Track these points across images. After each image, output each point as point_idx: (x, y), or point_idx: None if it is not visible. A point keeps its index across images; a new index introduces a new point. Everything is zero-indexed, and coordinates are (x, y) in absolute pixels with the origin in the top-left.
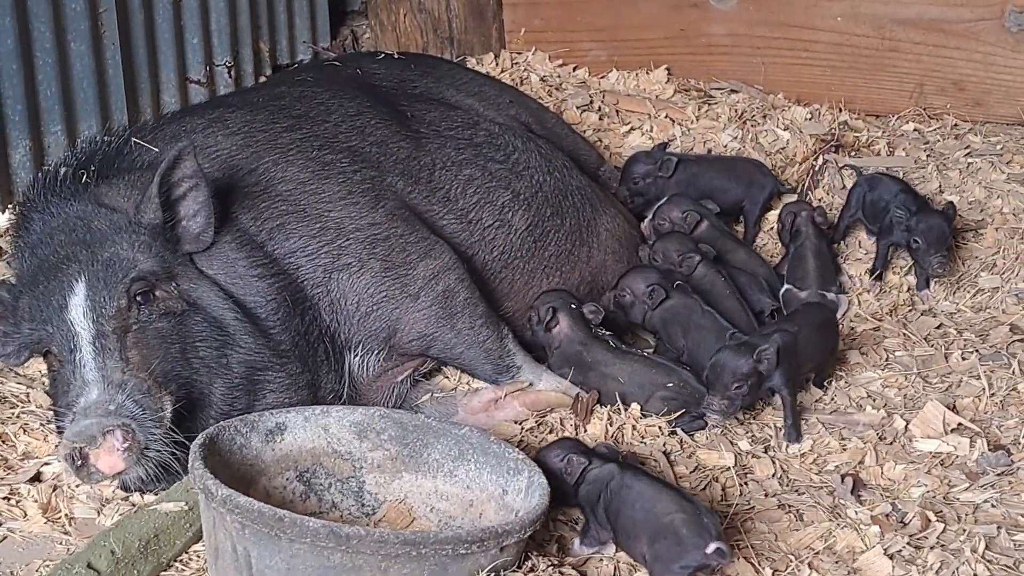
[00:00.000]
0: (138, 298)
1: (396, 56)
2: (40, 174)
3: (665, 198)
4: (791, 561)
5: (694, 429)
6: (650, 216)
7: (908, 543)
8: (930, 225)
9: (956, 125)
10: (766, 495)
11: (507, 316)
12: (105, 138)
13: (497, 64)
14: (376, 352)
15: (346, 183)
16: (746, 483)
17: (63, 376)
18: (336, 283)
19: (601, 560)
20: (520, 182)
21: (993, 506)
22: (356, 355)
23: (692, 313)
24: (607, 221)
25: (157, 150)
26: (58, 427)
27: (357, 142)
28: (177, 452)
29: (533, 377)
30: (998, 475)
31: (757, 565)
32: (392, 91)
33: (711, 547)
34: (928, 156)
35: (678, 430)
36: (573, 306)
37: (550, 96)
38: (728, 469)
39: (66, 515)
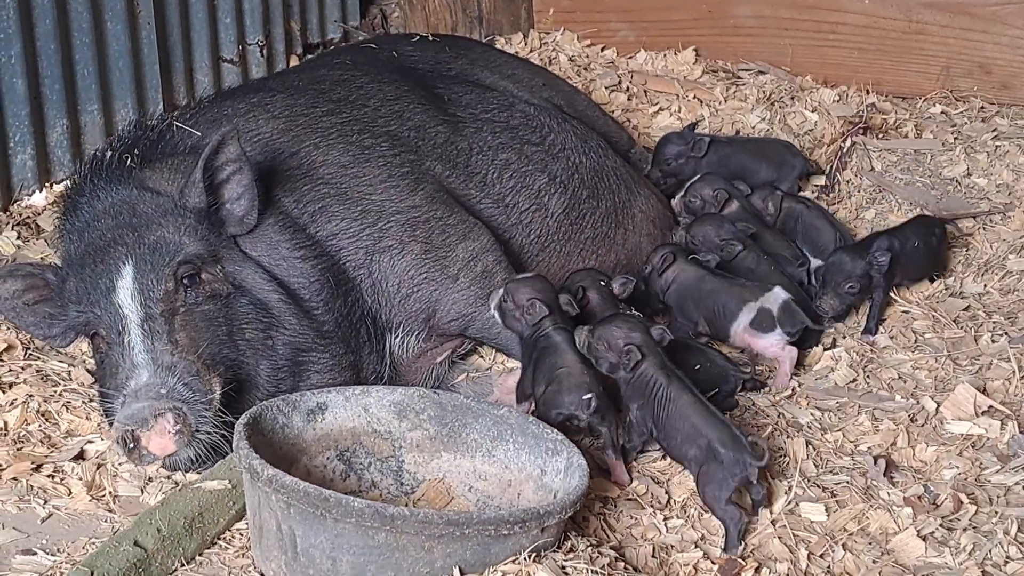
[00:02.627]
0: (185, 281)
1: (430, 38)
2: (86, 159)
3: (698, 176)
4: (826, 542)
5: (726, 408)
6: (682, 193)
7: (941, 525)
8: (832, 261)
9: (983, 108)
10: (801, 476)
11: None
12: (148, 122)
13: (526, 44)
14: (416, 333)
15: (386, 167)
16: (782, 469)
17: (111, 359)
18: (377, 265)
19: (640, 542)
20: (556, 164)
21: None
22: (397, 336)
23: (701, 282)
24: (642, 202)
25: (199, 133)
26: (106, 409)
27: (396, 127)
28: (226, 433)
29: None
30: None
31: (792, 546)
32: (428, 73)
33: (587, 395)
34: (956, 139)
35: None
36: (602, 283)
37: (578, 76)
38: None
39: (110, 493)
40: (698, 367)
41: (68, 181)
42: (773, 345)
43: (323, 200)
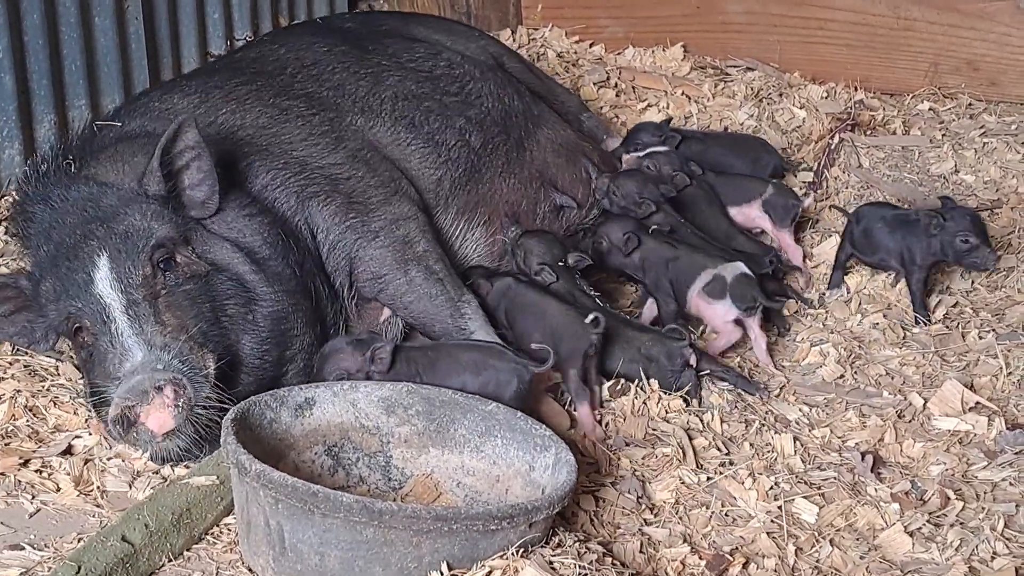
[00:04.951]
0: (161, 264)
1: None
2: (28, 168)
3: (664, 149)
4: (813, 538)
5: (683, 383)
6: (643, 153)
7: (928, 520)
8: (963, 215)
9: (971, 105)
10: (789, 472)
11: (484, 222)
12: (70, 132)
13: (514, 40)
14: (346, 287)
15: (305, 126)
16: (770, 464)
17: (99, 348)
18: (309, 210)
19: (627, 537)
20: (471, 110)
21: (1011, 484)
22: (335, 282)
23: (668, 252)
24: (547, 131)
25: (119, 124)
26: (94, 402)
27: (314, 88)
28: (222, 412)
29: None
30: (1016, 454)
31: (780, 542)
32: (356, 31)
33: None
34: (943, 135)
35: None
36: (560, 263)
37: (567, 72)
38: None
39: (98, 488)
40: (640, 349)
41: (11, 195)
42: (721, 315)
43: (247, 159)
